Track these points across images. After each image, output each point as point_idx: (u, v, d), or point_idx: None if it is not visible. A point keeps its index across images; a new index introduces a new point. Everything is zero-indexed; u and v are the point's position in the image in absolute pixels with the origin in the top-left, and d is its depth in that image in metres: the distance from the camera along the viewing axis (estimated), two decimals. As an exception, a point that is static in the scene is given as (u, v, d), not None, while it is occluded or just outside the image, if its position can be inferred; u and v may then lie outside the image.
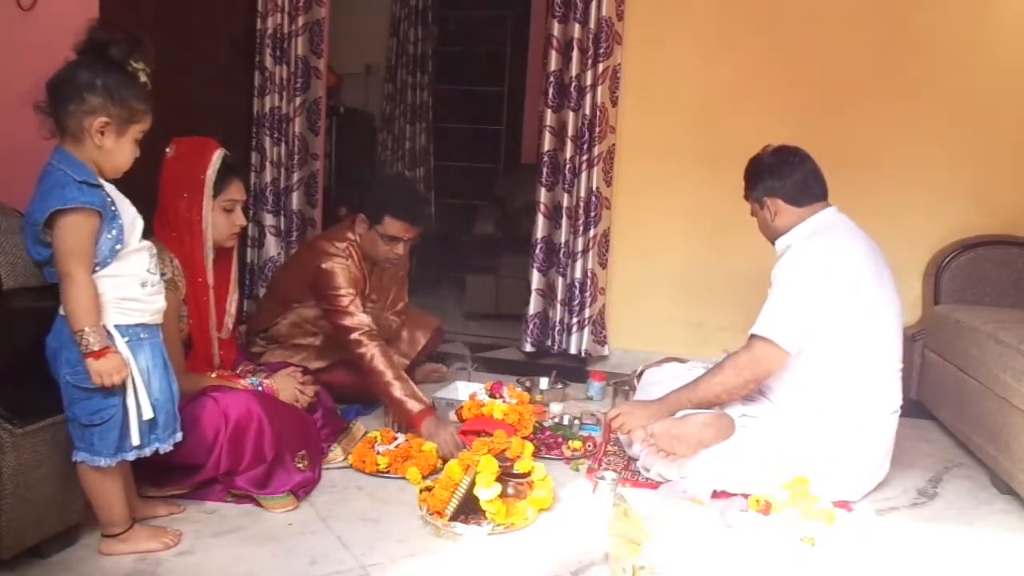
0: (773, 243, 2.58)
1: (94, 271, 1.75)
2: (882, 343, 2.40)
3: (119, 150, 1.78)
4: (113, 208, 1.78)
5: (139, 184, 1.90)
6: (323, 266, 2.80)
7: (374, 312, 2.97)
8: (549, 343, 3.85)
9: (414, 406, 2.59)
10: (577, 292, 3.76)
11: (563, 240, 3.77)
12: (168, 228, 2.19)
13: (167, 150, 2.20)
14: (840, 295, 2.32)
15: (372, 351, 2.66)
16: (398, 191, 3.02)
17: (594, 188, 3.68)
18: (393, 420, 2.72)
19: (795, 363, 2.35)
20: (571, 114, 3.68)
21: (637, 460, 2.54)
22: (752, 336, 2.37)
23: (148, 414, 1.81)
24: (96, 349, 1.71)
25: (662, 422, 2.38)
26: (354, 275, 2.84)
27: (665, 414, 2.43)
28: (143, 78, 1.78)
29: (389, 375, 2.63)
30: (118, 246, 1.77)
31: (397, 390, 2.61)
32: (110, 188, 1.80)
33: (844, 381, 2.36)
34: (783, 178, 2.52)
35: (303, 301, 2.93)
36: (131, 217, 1.82)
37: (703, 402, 2.42)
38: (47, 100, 1.74)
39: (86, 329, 1.70)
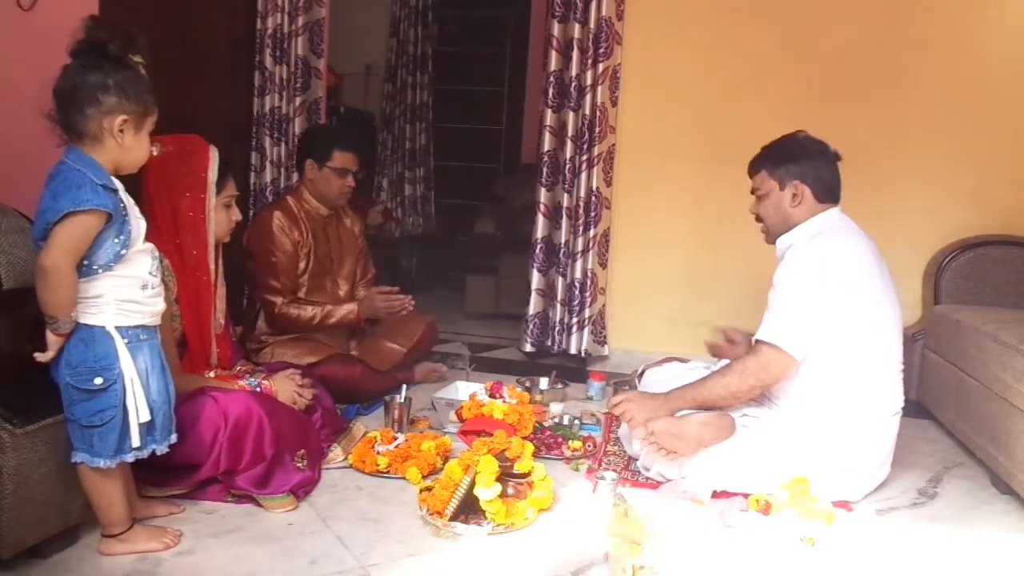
0: (769, 237, 2.52)
1: (96, 272, 1.75)
2: (885, 344, 2.38)
3: (138, 145, 1.81)
4: (124, 214, 1.78)
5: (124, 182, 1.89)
6: (252, 233, 3.04)
7: (321, 270, 3.12)
8: (549, 343, 3.85)
9: (351, 309, 3.05)
10: (577, 292, 3.76)
11: (563, 240, 3.77)
12: (158, 229, 2.17)
13: (152, 149, 2.19)
14: (844, 299, 2.29)
15: (295, 310, 3.00)
16: (338, 128, 3.31)
17: (594, 188, 3.69)
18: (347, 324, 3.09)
19: (799, 367, 2.33)
20: (571, 114, 3.68)
21: (637, 460, 2.54)
22: (758, 342, 2.33)
23: (145, 416, 1.81)
24: (64, 332, 1.74)
25: (663, 420, 2.36)
26: (284, 230, 3.00)
27: (669, 409, 2.40)
28: (142, 71, 1.78)
29: (318, 313, 3.01)
30: (123, 250, 1.77)
31: (333, 315, 3.03)
32: (123, 192, 1.80)
33: (847, 383, 2.35)
34: (819, 168, 2.44)
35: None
36: (136, 219, 1.83)
37: (708, 403, 2.38)
38: (56, 107, 1.73)
39: (61, 318, 1.73)
